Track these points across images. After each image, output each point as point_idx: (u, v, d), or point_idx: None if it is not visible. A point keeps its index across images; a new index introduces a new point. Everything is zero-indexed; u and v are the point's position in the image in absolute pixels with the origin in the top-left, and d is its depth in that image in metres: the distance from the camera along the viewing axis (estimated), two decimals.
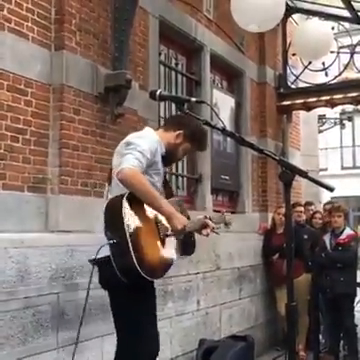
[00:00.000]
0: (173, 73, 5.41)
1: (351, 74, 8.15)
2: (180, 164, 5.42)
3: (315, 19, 6.75)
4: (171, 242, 2.79)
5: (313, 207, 6.96)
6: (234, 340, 4.87)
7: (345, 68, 7.34)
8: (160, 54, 5.06)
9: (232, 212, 6.22)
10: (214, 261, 5.25)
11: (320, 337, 6.08)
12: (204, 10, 5.66)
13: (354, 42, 7.00)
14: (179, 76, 5.51)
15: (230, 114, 6.29)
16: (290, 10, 6.84)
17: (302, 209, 6.30)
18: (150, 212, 2.71)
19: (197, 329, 4.86)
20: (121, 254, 2.50)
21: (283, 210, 6.13)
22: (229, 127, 5.72)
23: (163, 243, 2.72)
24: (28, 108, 3.48)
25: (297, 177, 2.22)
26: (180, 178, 5.44)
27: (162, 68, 5.16)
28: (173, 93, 5.12)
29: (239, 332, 5.41)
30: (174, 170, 5.30)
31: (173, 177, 5.29)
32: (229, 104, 6.28)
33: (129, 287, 2.57)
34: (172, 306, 4.53)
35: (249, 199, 6.49)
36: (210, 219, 2.85)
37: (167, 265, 2.74)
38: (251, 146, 2.46)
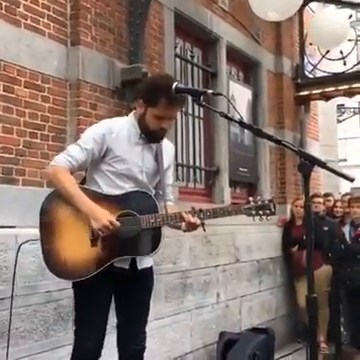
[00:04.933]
0: (189, 66, 5.39)
1: None
2: (197, 156, 5.40)
3: (331, 7, 6.64)
4: (113, 240, 2.44)
5: (331, 198, 6.87)
6: (255, 332, 4.86)
7: None
8: (176, 47, 5.04)
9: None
10: (233, 254, 5.24)
11: (341, 329, 6.03)
12: (219, 1, 5.61)
13: None
14: (195, 69, 5.48)
15: (247, 106, 6.24)
16: None
17: (321, 200, 6.22)
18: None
19: (217, 322, 4.86)
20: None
21: (301, 202, 6.07)
22: (246, 119, 5.66)
23: (94, 242, 2.46)
24: (45, 104, 3.51)
25: (316, 168, 2.18)
26: (198, 171, 5.43)
27: (178, 61, 5.14)
28: (189, 86, 5.10)
29: (260, 324, 5.40)
30: (191, 163, 5.29)
31: (190, 170, 5.29)
32: (246, 96, 6.23)
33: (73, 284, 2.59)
34: (192, 299, 4.54)
35: (267, 191, 6.45)
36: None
37: (90, 265, 2.44)
38: (269, 138, 2.42)
